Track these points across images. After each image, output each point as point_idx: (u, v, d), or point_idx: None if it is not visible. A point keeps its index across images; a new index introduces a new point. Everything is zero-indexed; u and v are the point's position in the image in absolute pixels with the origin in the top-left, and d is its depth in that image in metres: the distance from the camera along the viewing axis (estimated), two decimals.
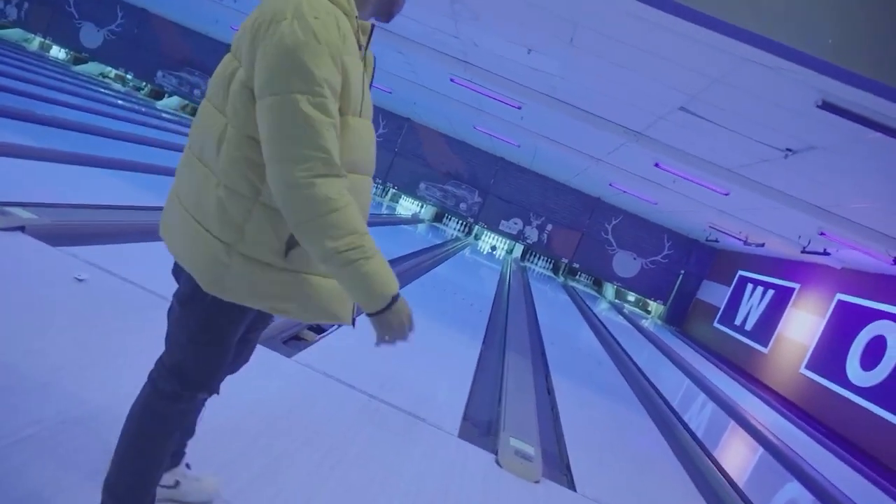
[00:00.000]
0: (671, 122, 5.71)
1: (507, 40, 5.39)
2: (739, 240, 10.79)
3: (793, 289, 10.10)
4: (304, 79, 1.30)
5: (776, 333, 9.93)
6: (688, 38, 3.46)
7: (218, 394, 1.57)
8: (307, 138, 1.30)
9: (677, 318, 13.92)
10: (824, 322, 8.73)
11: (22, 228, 3.24)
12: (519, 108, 7.70)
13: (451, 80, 7.50)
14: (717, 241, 12.66)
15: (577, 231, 14.33)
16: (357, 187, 1.44)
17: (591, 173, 10.80)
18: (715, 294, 12.99)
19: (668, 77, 4.57)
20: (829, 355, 8.25)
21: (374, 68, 1.62)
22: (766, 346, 10.08)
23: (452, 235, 14.05)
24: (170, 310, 1.56)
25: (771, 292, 10.74)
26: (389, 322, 1.38)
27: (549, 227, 14.46)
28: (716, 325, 12.22)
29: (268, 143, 1.33)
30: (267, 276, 1.43)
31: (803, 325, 9.30)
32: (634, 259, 14.15)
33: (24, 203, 3.61)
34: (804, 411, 8.13)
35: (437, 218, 15.20)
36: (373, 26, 1.54)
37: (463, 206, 14.71)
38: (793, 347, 9.26)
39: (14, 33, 14.98)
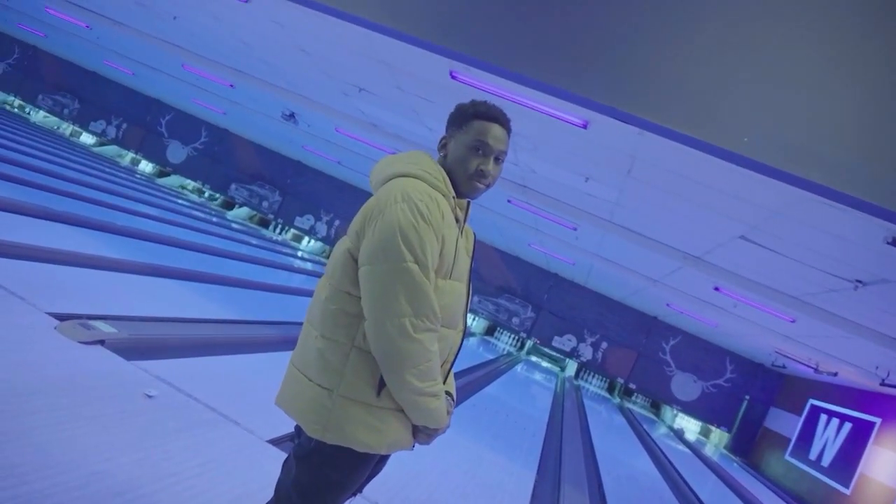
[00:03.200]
0: (731, 250, 5.68)
1: (564, 169, 5.62)
2: (810, 367, 10.21)
3: (873, 423, 9.34)
4: (415, 251, 1.54)
5: (858, 472, 9.07)
6: (747, 176, 3.53)
7: None
8: (418, 300, 1.54)
9: (743, 448, 12.99)
10: None
11: (102, 342, 3.42)
12: (574, 229, 7.84)
13: (509, 201, 7.78)
14: (784, 366, 12.03)
15: (634, 350, 13.92)
16: (443, 336, 1.67)
17: (647, 293, 10.68)
18: (785, 423, 12.13)
19: (726, 208, 4.61)
20: None
21: (474, 241, 1.86)
22: (847, 486, 9.19)
23: (504, 350, 13.89)
24: (285, 461, 1.74)
25: (848, 425, 9.95)
26: (430, 435, 1.73)
27: (604, 344, 14.13)
28: (788, 458, 11.30)
29: (377, 301, 1.54)
30: (364, 413, 1.60)
31: (889, 465, 8.49)
32: (695, 381, 13.53)
33: (104, 316, 3.84)
34: None
35: (489, 331, 15.14)
36: (469, 203, 1.79)
37: (515, 320, 14.63)
38: (879, 490, 8.41)
39: (110, 150, 16.62)
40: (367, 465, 1.65)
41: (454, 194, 1.71)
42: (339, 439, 1.59)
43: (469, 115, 1.74)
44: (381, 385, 1.61)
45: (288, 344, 5.33)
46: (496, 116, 1.74)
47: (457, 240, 1.69)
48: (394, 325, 1.53)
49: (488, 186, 1.77)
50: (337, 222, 15.24)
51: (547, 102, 4.08)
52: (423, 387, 1.59)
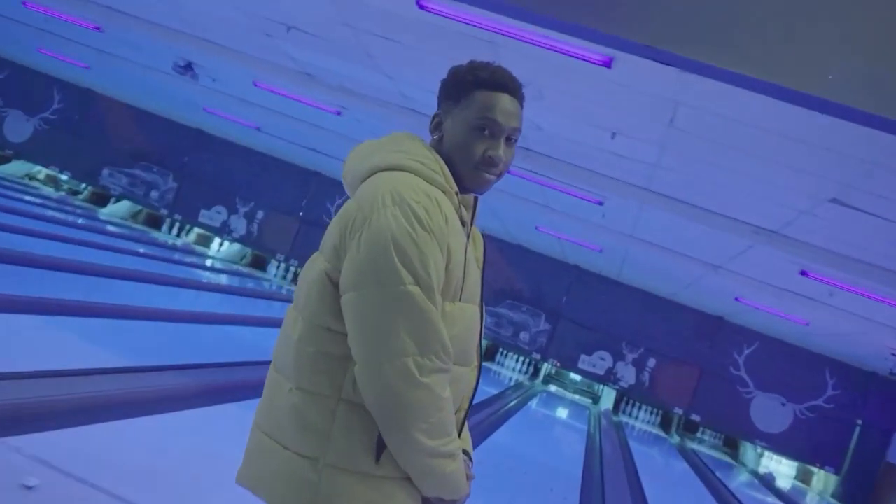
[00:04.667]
0: (819, 218, 5.88)
1: (582, 123, 5.77)
2: None
3: None
4: (415, 269, 1.64)
5: None
6: (836, 122, 3.70)
7: None
8: (424, 333, 1.64)
9: (859, 495, 13.32)
10: None
11: None
12: (600, 203, 8.02)
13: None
14: None
15: (693, 366, 14.21)
16: (456, 377, 1.78)
17: (706, 284, 10.92)
18: None
19: (809, 163, 4.80)
20: None
21: (484, 246, 1.99)
22: None
23: (511, 380, 14.07)
24: None
25: None
26: None
27: (652, 361, 14.40)
28: None
29: (370, 338, 1.64)
30: (360, 487, 1.69)
31: None
32: (783, 405, 13.84)
33: None
34: None
35: (488, 355, 15.33)
36: (476, 199, 1.92)
37: (524, 336, 14.83)
38: None
39: None
40: None
41: (457, 189, 1.82)
42: None
43: (468, 85, 1.84)
44: (381, 447, 1.69)
45: (210, 396, 5.43)
46: (504, 83, 1.84)
47: (465, 249, 1.80)
48: (394, 367, 1.61)
49: (500, 176, 1.87)
50: (260, 213, 15.33)
51: (555, 36, 4.21)
52: (436, 446, 1.67)
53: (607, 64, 4.43)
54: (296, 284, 1.96)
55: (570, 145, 6.59)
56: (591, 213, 8.85)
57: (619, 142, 5.84)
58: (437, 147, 1.88)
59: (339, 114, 8.73)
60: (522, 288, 14.92)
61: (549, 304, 14.86)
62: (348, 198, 1.86)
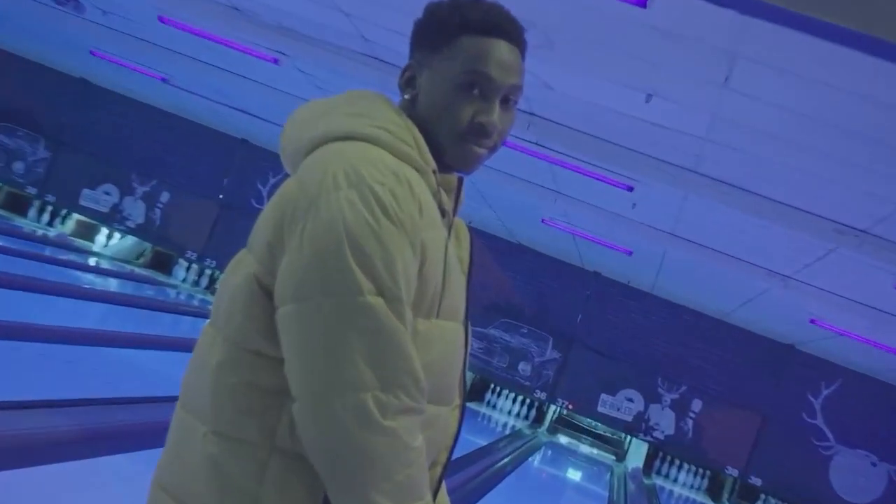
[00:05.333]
0: None
1: (605, 79, 5.81)
2: None
3: None
4: (376, 273, 1.64)
5: None
6: None
7: None
8: (387, 360, 1.64)
9: None
10: None
11: None
12: (629, 189, 8.06)
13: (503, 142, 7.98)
14: None
15: (753, 411, 14.27)
16: (431, 418, 1.79)
17: (772, 301, 10.97)
18: None
19: None
20: None
21: (471, 243, 2.02)
22: None
23: (507, 426, 14.08)
24: None
25: None
26: None
27: (697, 404, 14.46)
28: None
29: (316, 366, 1.63)
30: None
31: None
32: (874, 465, 13.93)
33: None
34: None
35: (475, 392, 15.34)
36: (460, 180, 1.95)
37: (524, 367, 14.85)
38: None
39: None
40: None
41: (435, 167, 1.83)
42: None
43: (452, 27, 1.83)
44: None
45: (93, 443, 5.40)
46: (500, 26, 1.84)
47: (445, 247, 1.81)
48: (347, 406, 1.60)
49: (493, 150, 1.88)
50: (165, 196, 15.30)
51: None
52: None
53: (641, 1, 4.47)
54: (213, 294, 1.97)
55: (589, 110, 6.61)
56: (617, 203, 8.89)
57: (656, 107, 5.87)
58: (410, 110, 1.88)
59: (276, 62, 8.73)
60: (523, 302, 14.94)
61: (559, 325, 14.90)
62: (287, 176, 1.86)
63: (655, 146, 6.78)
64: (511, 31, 1.86)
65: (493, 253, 14.69)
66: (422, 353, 1.72)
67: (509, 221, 13.16)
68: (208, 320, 1.88)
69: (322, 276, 1.64)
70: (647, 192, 8.02)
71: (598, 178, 8.09)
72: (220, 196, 15.12)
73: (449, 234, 1.88)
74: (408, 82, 1.91)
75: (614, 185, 8.11)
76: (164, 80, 12.35)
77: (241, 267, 1.81)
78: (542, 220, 11.63)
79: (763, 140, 5.83)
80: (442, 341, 1.81)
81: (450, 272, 1.82)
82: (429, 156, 1.81)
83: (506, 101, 1.87)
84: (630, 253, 11.70)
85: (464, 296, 1.92)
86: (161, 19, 8.77)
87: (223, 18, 7.92)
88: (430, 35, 1.87)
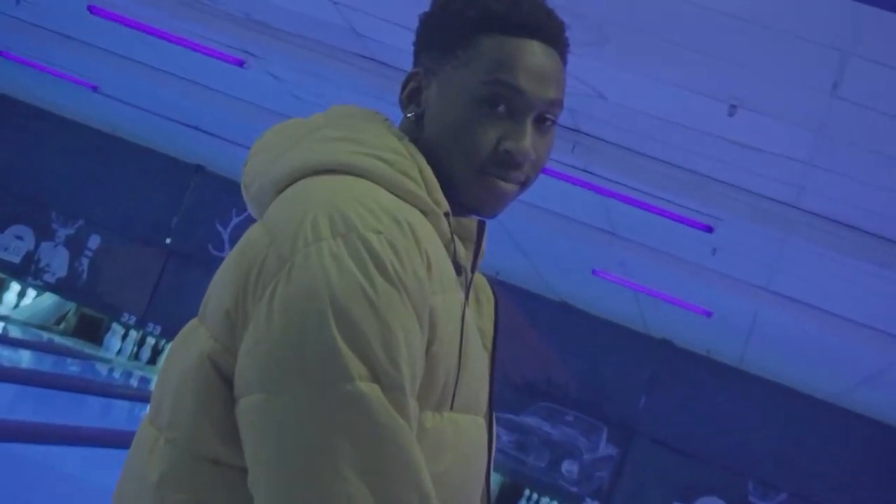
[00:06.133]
0: None
1: (676, 86, 5.82)
2: None
3: None
4: (369, 356, 1.58)
5: None
6: None
7: None
8: (383, 469, 1.58)
9: None
10: None
11: None
12: (709, 229, 8.04)
13: (542, 169, 7.99)
14: None
15: None
16: None
17: None
18: None
19: None
20: None
21: (496, 311, 1.97)
22: None
23: None
24: None
25: None
26: None
27: None
28: None
29: (288, 480, 1.59)
30: None
31: None
32: None
33: None
34: None
35: (506, 502, 15.28)
36: (481, 226, 1.89)
37: (570, 468, 14.83)
38: None
39: None
40: None
41: (448, 209, 1.79)
42: None
43: (470, 22, 1.81)
44: None
45: None
46: (533, 18, 1.81)
47: (462, 315, 1.76)
48: None
49: (525, 186, 1.85)
50: (95, 240, 15.30)
51: None
52: None
53: None
54: (156, 375, 1.95)
55: (654, 126, 6.62)
56: (692, 248, 8.90)
57: (743, 121, 5.86)
58: (414, 133, 1.85)
59: (241, 64, 8.78)
60: (568, 381, 14.91)
61: (616, 410, 14.87)
62: (245, 222, 1.84)
63: (742, 173, 6.79)
64: (548, 28, 1.83)
65: (528, 315, 14.69)
66: (431, 460, 1.68)
67: (550, 273, 13.18)
68: (147, 413, 1.84)
69: (298, 357, 1.59)
70: (731, 234, 8.01)
71: (666, 216, 8.08)
72: (168, 240, 15.15)
73: (467, 296, 1.84)
74: (411, 96, 1.88)
75: (688, 225, 8.10)
76: (94, 88, 12.42)
77: (192, 343, 1.76)
78: (594, 272, 11.65)
79: (883, 165, 5.82)
80: (458, 442, 1.76)
81: (468, 349, 1.77)
82: (440, 194, 1.77)
83: (542, 121, 1.83)
84: (709, 314, 11.69)
85: (486, 379, 1.88)
86: (92, 10, 8.83)
87: (173, 8, 7.98)
88: (441, 34, 1.85)
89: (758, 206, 7.13)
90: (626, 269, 10.92)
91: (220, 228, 14.95)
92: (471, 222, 1.86)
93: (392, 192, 1.71)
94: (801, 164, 6.22)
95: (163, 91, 10.99)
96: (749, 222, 7.35)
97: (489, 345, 1.94)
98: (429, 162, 1.80)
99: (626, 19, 5.33)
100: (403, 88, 1.89)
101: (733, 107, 5.72)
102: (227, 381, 1.67)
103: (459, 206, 1.83)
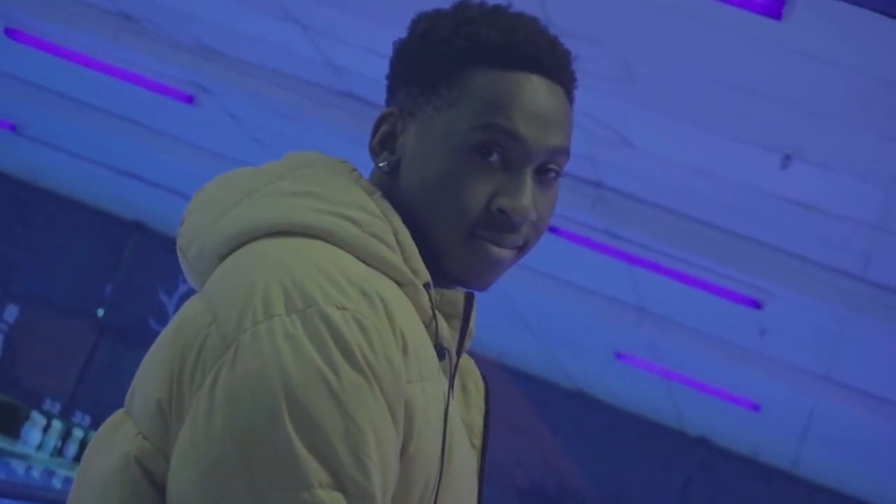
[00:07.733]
0: None
1: (716, 132, 5.83)
2: None
3: None
4: (330, 457, 1.54)
5: None
6: None
7: None
8: None
9: None
10: None
11: None
12: (757, 305, 8.06)
13: (554, 230, 7.98)
14: None
15: None
16: None
17: None
18: None
19: None
20: None
21: (486, 397, 1.95)
22: None
23: None
24: None
25: None
26: None
27: None
28: None
29: None
30: None
31: None
32: None
33: None
34: None
35: None
36: (469, 299, 1.86)
37: None
38: None
39: None
40: None
41: (429, 279, 1.77)
42: None
43: (457, 52, 1.80)
44: None
45: None
46: (533, 49, 1.81)
47: (446, 409, 1.73)
48: None
49: (524, 251, 1.85)
50: (13, 311, 15.42)
51: None
52: None
53: (774, 11, 4.51)
54: (77, 474, 1.89)
55: (690, 179, 6.65)
56: (737, 327, 8.91)
57: (799, 175, 5.89)
58: (388, 187, 1.83)
59: (190, 101, 8.83)
60: (585, 487, 14.93)
61: None
62: (193, 291, 1.83)
63: (797, 237, 6.80)
64: (551, 59, 1.82)
65: (537, 407, 14.73)
66: None
67: (564, 356, 13.23)
68: None
69: (245, 460, 1.56)
70: (783, 312, 8.03)
71: (705, 288, 8.10)
72: (100, 313, 15.20)
73: (451, 385, 1.82)
74: (384, 142, 1.86)
75: (732, 300, 8.13)
76: (12, 128, 12.49)
77: (117, 441, 1.74)
78: (618, 355, 11.69)
79: None
80: None
81: (452, 448, 1.73)
82: (419, 262, 1.75)
83: (544, 173, 1.82)
84: (757, 408, 11.72)
85: (475, 484, 1.86)
86: (9, 33, 8.89)
87: (109, 32, 8.02)
88: (422, 67, 1.83)
89: (815, 277, 7.13)
90: (657, 353, 10.94)
91: (163, 298, 14.98)
92: (457, 295, 1.84)
93: (361, 259, 1.69)
94: (868, 227, 6.23)
95: (95, 132, 11.03)
96: (805, 297, 7.34)
97: (478, 442, 1.91)
98: (405, 222, 1.77)
99: (659, 53, 5.34)
100: (374, 132, 1.87)
101: (787, 157, 5.72)
102: (160, 487, 1.64)
103: (443, 276, 1.82)
